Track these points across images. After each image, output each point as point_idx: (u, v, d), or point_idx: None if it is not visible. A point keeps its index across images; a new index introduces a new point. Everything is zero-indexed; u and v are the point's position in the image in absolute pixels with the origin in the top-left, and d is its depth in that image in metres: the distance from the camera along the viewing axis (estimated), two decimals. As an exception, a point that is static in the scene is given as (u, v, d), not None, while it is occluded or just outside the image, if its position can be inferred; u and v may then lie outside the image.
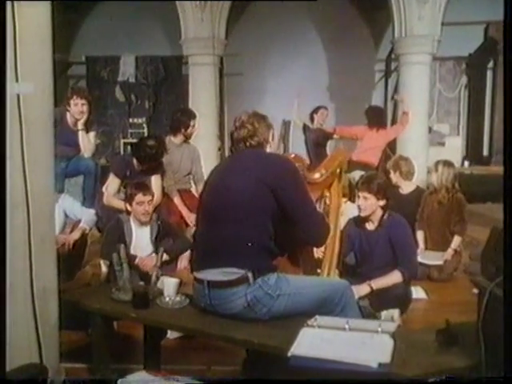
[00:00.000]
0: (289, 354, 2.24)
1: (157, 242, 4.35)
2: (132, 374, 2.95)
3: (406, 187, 5.46)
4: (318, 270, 3.16)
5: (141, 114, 9.85)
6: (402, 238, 4.08)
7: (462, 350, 2.22)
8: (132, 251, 4.17)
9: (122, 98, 9.75)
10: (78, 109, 5.23)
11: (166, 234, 4.39)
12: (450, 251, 4.99)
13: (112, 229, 4.34)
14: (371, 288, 3.89)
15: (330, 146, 7.57)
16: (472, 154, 9.88)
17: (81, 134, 5.32)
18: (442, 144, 9.67)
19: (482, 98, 10.10)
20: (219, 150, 8.70)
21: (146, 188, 4.34)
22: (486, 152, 10.03)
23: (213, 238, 2.70)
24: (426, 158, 8.73)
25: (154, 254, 4.23)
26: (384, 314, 3.98)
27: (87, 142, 5.35)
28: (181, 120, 5.40)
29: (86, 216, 4.82)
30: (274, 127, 2.96)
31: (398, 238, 4.06)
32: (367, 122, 7.16)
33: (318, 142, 7.32)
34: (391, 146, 7.86)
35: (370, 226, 4.17)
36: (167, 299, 2.87)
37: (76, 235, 4.71)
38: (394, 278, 3.93)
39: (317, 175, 3.05)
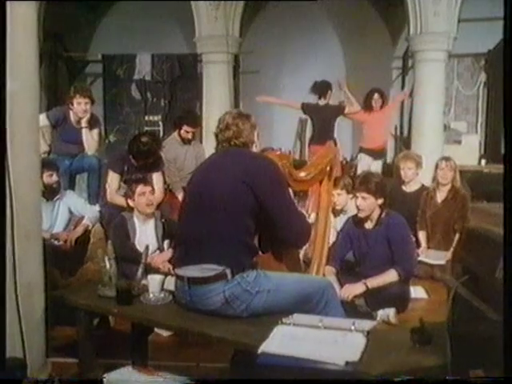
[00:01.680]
0: (259, 351, 2.24)
1: (163, 239, 4.39)
2: (118, 370, 2.99)
3: (411, 185, 5.42)
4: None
5: (156, 112, 9.86)
6: (400, 236, 4.06)
7: (435, 349, 2.19)
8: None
9: (138, 96, 9.77)
10: (81, 107, 5.31)
11: (170, 231, 4.41)
12: (452, 250, 4.93)
13: (116, 226, 4.38)
14: (366, 286, 3.88)
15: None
16: (489, 153, 9.70)
17: (84, 132, 5.39)
18: (459, 142, 9.52)
19: (501, 96, 9.89)
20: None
21: (145, 180, 4.39)
22: (503, 150, 9.80)
23: (193, 235, 2.72)
24: (441, 156, 8.64)
25: (164, 250, 4.28)
26: (380, 313, 3.97)
27: (91, 139, 5.42)
28: (183, 120, 5.44)
29: (90, 213, 4.88)
30: (258, 127, 2.97)
31: (395, 237, 4.04)
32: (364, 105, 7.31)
33: (328, 119, 7.18)
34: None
35: (368, 225, 4.16)
36: (151, 296, 2.89)
37: (79, 232, 4.78)
38: (390, 276, 3.91)
39: (302, 174, 3.04)
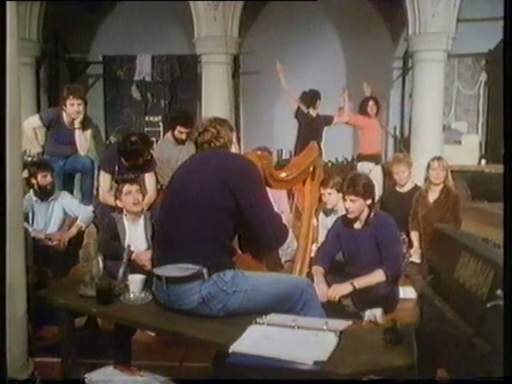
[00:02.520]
0: (230, 351, 2.25)
1: (152, 240, 4.40)
2: (100, 370, 3.00)
3: (405, 185, 5.42)
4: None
5: (157, 113, 9.93)
6: (387, 236, 4.05)
7: (405, 349, 2.19)
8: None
9: (139, 97, 9.84)
10: (74, 109, 5.34)
11: None
12: (420, 251, 4.93)
13: (106, 227, 4.40)
14: (354, 287, 3.88)
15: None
16: (490, 153, 9.68)
17: (77, 133, 5.43)
18: (459, 142, 9.50)
19: (501, 96, 9.83)
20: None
21: (132, 179, 4.42)
22: (504, 150, 9.76)
23: (171, 234, 2.74)
24: (433, 156, 8.62)
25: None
26: (367, 313, 3.97)
27: (84, 140, 5.46)
28: (176, 120, 5.46)
29: (83, 214, 4.91)
30: (234, 129, 3.01)
31: (382, 237, 4.03)
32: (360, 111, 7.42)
33: (316, 129, 7.21)
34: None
35: (357, 225, 4.16)
36: (131, 295, 2.90)
37: (72, 232, 4.81)
38: (377, 276, 3.91)
39: (283, 174, 3.05)
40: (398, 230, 4.25)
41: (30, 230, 4.49)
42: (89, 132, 5.56)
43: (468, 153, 9.34)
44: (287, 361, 2.13)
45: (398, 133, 10.25)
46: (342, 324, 2.41)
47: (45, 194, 4.78)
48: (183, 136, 5.43)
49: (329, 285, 3.94)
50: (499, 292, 1.40)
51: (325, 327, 2.33)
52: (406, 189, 5.44)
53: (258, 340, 2.30)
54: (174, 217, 2.74)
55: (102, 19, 10.36)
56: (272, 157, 3.10)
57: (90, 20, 10.17)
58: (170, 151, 5.42)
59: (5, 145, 2.65)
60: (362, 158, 7.56)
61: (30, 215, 4.69)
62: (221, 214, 2.68)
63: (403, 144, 9.42)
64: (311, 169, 3.28)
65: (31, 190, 4.81)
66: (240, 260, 2.84)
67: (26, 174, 4.61)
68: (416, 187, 5.41)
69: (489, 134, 9.97)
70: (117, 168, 4.87)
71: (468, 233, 2.35)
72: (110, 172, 4.92)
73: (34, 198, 4.76)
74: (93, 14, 10.16)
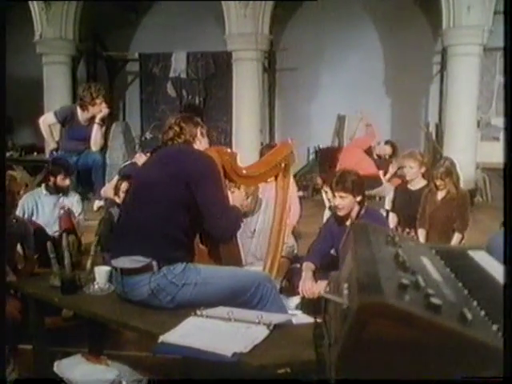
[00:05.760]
0: (159, 341, 2.30)
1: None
2: (69, 358, 3.12)
3: (416, 183, 5.32)
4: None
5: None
6: (378, 233, 4.01)
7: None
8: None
9: (174, 94, 10.00)
10: (96, 109, 5.49)
11: None
12: None
13: (105, 221, 4.53)
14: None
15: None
16: (530, 150, 9.34)
17: (95, 128, 5.58)
18: (497, 139, 9.21)
19: (545, 90, 9.51)
20: (262, 144, 8.73)
21: (130, 177, 4.51)
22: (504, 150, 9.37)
23: (127, 227, 2.82)
24: (475, 153, 8.42)
25: None
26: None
27: (100, 136, 5.60)
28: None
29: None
30: (202, 125, 3.06)
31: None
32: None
33: None
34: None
35: (348, 223, 4.12)
36: (96, 286, 2.99)
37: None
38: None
39: (245, 171, 3.07)
40: (389, 226, 4.20)
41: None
42: (104, 129, 5.70)
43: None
44: (209, 352, 2.17)
45: (434, 130, 10.01)
46: (278, 318, 2.43)
47: (58, 191, 4.92)
48: None
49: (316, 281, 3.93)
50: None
51: (257, 320, 2.35)
52: (417, 186, 5.34)
53: (190, 331, 2.35)
54: (131, 210, 2.83)
55: (140, 18, 10.56)
56: (235, 153, 3.09)
57: (129, 19, 10.40)
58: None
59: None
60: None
61: (34, 208, 4.82)
62: (175, 208, 2.74)
63: (438, 142, 9.23)
64: (283, 165, 3.28)
65: (43, 185, 4.95)
66: (200, 253, 2.89)
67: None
68: (427, 185, 5.30)
69: (530, 131, 9.62)
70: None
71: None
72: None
73: (44, 192, 4.90)
74: (131, 13, 10.39)
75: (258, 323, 2.35)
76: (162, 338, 2.30)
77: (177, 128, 2.94)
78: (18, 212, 4.69)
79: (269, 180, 3.37)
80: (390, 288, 1.22)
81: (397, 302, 1.12)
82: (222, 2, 8.69)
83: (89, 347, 3.25)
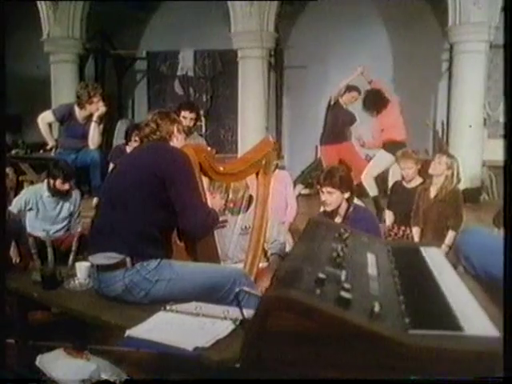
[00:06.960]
0: (125, 335, 2.34)
1: None
2: (51, 352, 3.17)
3: (412, 181, 5.31)
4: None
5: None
6: (366, 230, 3.99)
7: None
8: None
9: (181, 92, 10.01)
10: (94, 106, 5.54)
11: None
12: (443, 248, 4.79)
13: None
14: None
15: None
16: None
17: (93, 126, 5.64)
18: (505, 136, 9.11)
19: (555, 87, 9.40)
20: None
21: None
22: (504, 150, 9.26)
23: (102, 223, 2.87)
24: (481, 151, 8.35)
25: None
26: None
27: (97, 134, 5.66)
28: (180, 106, 5.54)
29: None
30: (179, 121, 3.09)
31: (361, 231, 3.99)
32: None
33: (342, 123, 7.20)
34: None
35: (337, 220, 4.13)
36: (76, 282, 3.04)
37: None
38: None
39: (221, 168, 3.09)
40: (378, 223, 4.19)
41: None
42: (101, 127, 5.75)
43: (513, 147, 8.95)
44: (172, 346, 2.20)
45: (440, 127, 9.95)
46: (245, 313, 2.45)
47: (57, 194, 4.91)
48: (188, 122, 5.49)
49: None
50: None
51: (223, 315, 2.38)
52: (413, 184, 5.33)
53: (157, 326, 2.38)
54: (107, 207, 2.87)
55: (148, 16, 10.61)
56: (211, 150, 3.12)
57: (137, 17, 10.45)
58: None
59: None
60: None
61: (35, 206, 4.85)
62: (149, 205, 2.77)
63: (444, 139, 9.16)
64: (264, 162, 3.30)
65: (45, 184, 4.96)
66: (178, 250, 2.92)
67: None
68: (423, 183, 5.29)
69: (540, 128, 9.52)
70: None
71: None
72: (115, 163, 5.07)
73: (47, 194, 4.90)
74: (139, 11, 10.44)
75: (225, 318, 2.38)
76: (128, 332, 2.34)
77: (153, 125, 2.97)
78: (19, 205, 4.73)
79: (249, 178, 3.39)
80: (305, 282, 1.24)
81: (301, 296, 1.14)
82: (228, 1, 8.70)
83: (73, 342, 3.30)
